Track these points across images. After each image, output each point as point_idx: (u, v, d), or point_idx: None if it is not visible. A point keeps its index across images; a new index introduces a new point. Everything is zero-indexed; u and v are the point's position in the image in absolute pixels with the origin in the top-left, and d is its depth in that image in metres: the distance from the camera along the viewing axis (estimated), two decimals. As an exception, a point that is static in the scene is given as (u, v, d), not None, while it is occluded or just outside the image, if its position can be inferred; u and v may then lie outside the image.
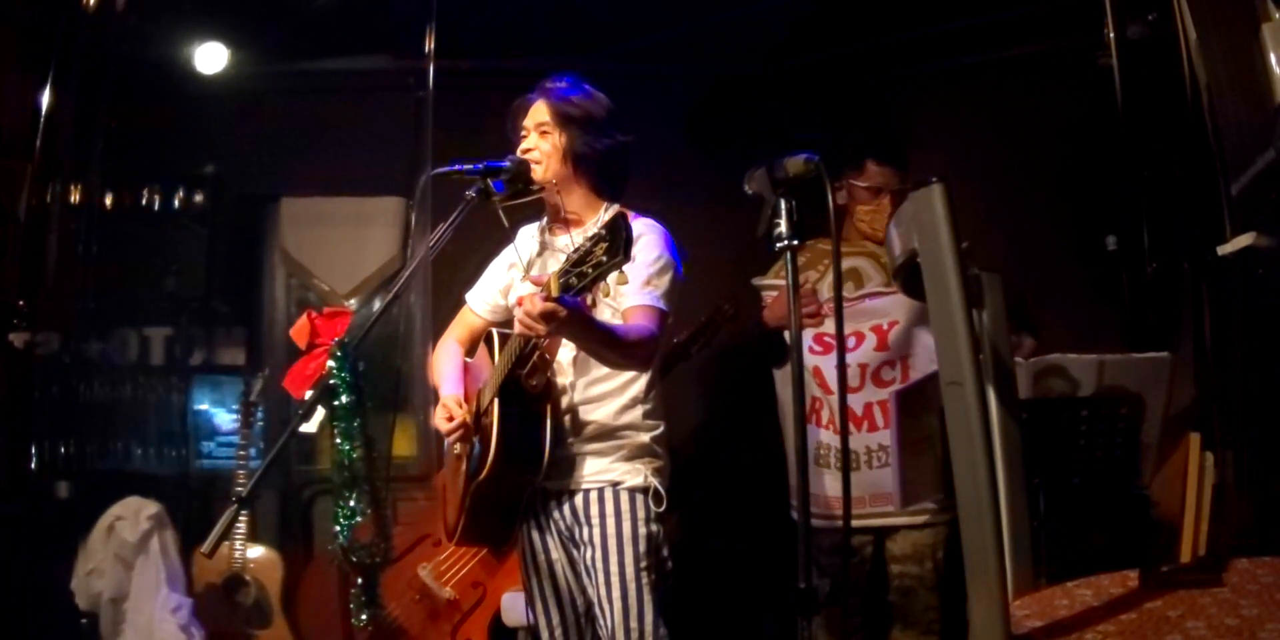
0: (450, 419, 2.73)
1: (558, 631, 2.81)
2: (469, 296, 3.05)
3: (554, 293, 2.28)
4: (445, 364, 2.94)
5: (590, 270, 2.19)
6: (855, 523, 3.25)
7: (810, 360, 3.35)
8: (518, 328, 2.42)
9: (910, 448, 2.93)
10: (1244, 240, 2.80)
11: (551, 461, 2.64)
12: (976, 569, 1.72)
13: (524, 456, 2.61)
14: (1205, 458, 3.06)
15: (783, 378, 3.45)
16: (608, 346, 2.55)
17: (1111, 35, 3.63)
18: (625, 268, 2.38)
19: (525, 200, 2.78)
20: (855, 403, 3.28)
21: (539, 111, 2.81)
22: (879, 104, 4.90)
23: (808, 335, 3.37)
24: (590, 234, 2.23)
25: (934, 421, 2.91)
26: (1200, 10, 2.98)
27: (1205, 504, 3.01)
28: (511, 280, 2.97)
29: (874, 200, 3.43)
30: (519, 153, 2.79)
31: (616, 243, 2.16)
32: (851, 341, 3.32)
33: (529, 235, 2.96)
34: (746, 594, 4.17)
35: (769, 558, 3.01)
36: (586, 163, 2.79)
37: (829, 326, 3.36)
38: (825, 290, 3.41)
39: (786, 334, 3.32)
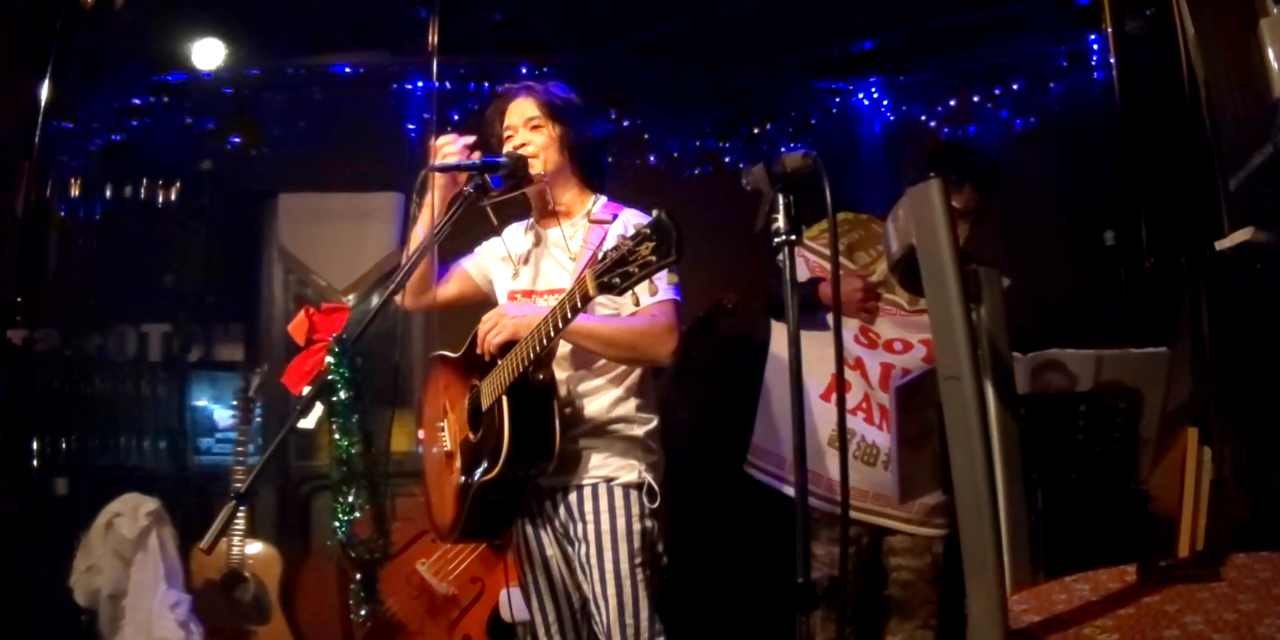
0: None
1: (554, 627, 2.82)
2: (464, 261, 3.05)
3: (592, 292, 2.25)
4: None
5: (636, 270, 2.16)
6: (855, 515, 3.26)
7: (854, 350, 3.33)
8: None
9: (908, 443, 2.92)
10: (1242, 235, 2.80)
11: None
12: (974, 564, 1.72)
13: (535, 452, 2.61)
14: (1203, 453, 3.06)
15: (783, 333, 3.34)
16: (605, 344, 2.56)
17: (1110, 31, 3.63)
18: None
19: (516, 194, 2.78)
20: (890, 403, 3.26)
21: (524, 108, 2.82)
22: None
23: (855, 325, 3.35)
24: (631, 233, 2.21)
25: (932, 417, 2.91)
26: (1198, 5, 2.98)
27: (1203, 499, 3.01)
28: (500, 273, 2.97)
29: (959, 221, 3.23)
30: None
31: (666, 242, 2.13)
32: (899, 346, 3.31)
33: (517, 232, 2.96)
34: (744, 589, 4.17)
35: (767, 552, 3.01)
36: (582, 151, 2.82)
37: (878, 325, 3.34)
38: (885, 288, 3.38)
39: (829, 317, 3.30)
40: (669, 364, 2.74)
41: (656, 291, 2.45)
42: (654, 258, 2.14)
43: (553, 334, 2.46)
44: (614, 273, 2.19)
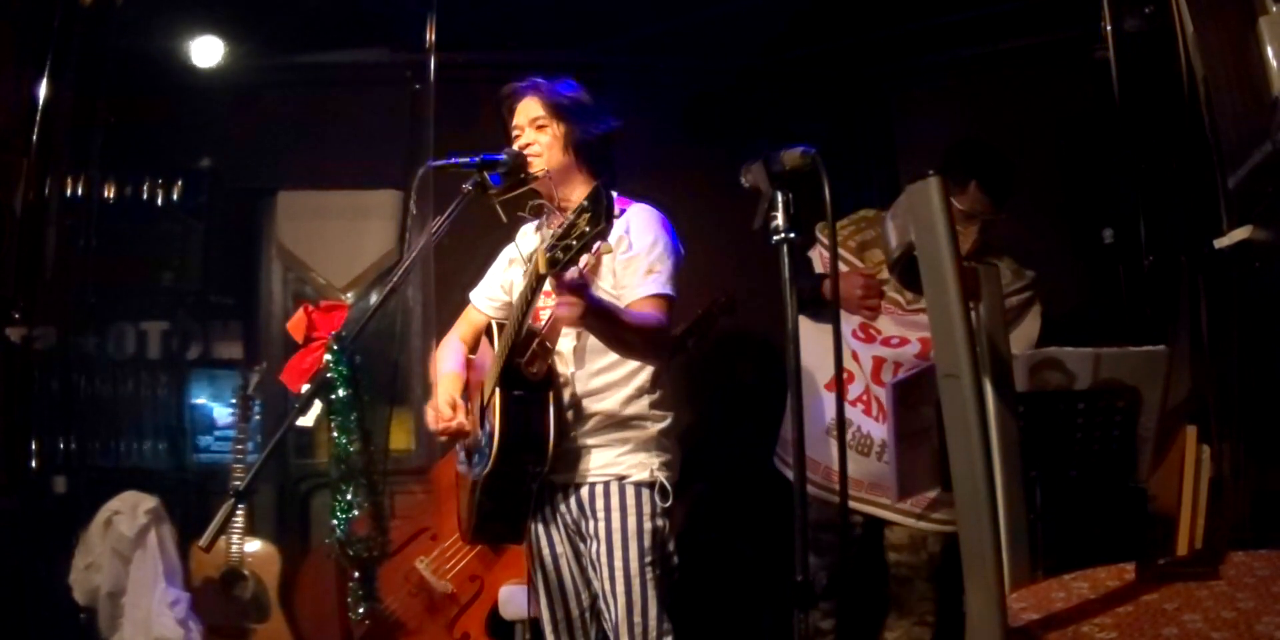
0: (438, 421, 2.75)
1: (561, 626, 2.83)
2: (473, 295, 3.07)
3: (542, 268, 2.28)
4: (445, 362, 2.95)
5: (575, 242, 2.19)
6: (850, 503, 3.27)
7: (852, 343, 3.34)
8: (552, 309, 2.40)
9: (907, 440, 2.93)
10: (1241, 233, 2.79)
11: (558, 453, 2.65)
12: (973, 561, 1.72)
13: (527, 446, 2.61)
14: (1202, 451, 3.06)
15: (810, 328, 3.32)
16: (630, 331, 2.55)
17: (1108, 28, 3.63)
18: (624, 257, 2.38)
19: (520, 192, 2.79)
20: (885, 396, 3.27)
21: (530, 108, 2.83)
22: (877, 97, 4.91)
23: (855, 321, 3.36)
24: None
25: (931, 414, 2.91)
26: (1197, 3, 2.97)
27: (1202, 497, 3.01)
28: (513, 276, 2.98)
29: (962, 224, 3.18)
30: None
31: (598, 211, 2.16)
32: (895, 341, 3.33)
33: (529, 231, 2.97)
34: (745, 586, 4.17)
35: (768, 549, 3.02)
36: (587, 150, 2.82)
37: (878, 322, 3.35)
38: (889, 287, 3.38)
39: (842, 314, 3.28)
40: (657, 360, 2.74)
41: (645, 281, 2.44)
42: (588, 228, 2.17)
43: (521, 318, 2.49)
44: (557, 248, 2.22)
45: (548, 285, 2.43)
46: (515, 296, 2.96)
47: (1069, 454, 2.68)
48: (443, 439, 2.80)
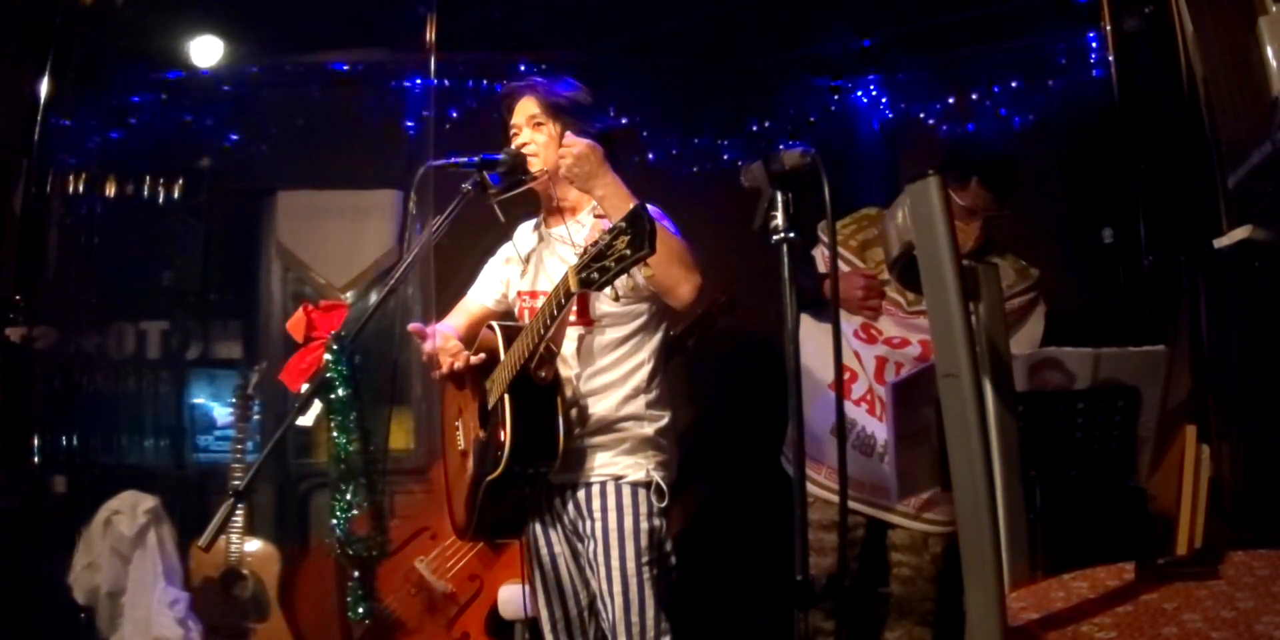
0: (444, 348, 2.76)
1: (560, 625, 2.83)
2: (470, 291, 3.06)
3: (574, 288, 2.26)
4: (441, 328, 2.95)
5: (613, 264, 2.17)
6: (851, 505, 3.27)
7: (853, 343, 3.33)
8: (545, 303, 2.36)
9: (907, 440, 2.93)
10: (1240, 233, 2.80)
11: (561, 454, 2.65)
12: (973, 561, 1.72)
13: (538, 451, 2.61)
14: (1201, 450, 3.06)
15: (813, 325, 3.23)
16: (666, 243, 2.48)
17: (1108, 28, 3.63)
18: None
19: (518, 191, 2.79)
20: (885, 395, 3.27)
21: (528, 106, 2.83)
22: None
23: (857, 322, 3.35)
24: (609, 227, 2.22)
25: (930, 414, 2.91)
26: (1197, 3, 2.98)
27: (1201, 497, 3.01)
28: (509, 275, 2.98)
29: (965, 220, 3.19)
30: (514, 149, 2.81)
31: (640, 235, 2.13)
32: (897, 341, 3.32)
33: (526, 231, 2.97)
34: (745, 586, 4.17)
35: (768, 549, 3.01)
36: None
37: (879, 323, 3.34)
38: (890, 288, 3.37)
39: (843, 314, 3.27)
40: (682, 307, 2.71)
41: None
42: (629, 252, 2.15)
43: (543, 332, 2.47)
44: (592, 268, 2.20)
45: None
46: (513, 295, 2.96)
47: (1069, 454, 2.68)
48: (441, 371, 2.79)
